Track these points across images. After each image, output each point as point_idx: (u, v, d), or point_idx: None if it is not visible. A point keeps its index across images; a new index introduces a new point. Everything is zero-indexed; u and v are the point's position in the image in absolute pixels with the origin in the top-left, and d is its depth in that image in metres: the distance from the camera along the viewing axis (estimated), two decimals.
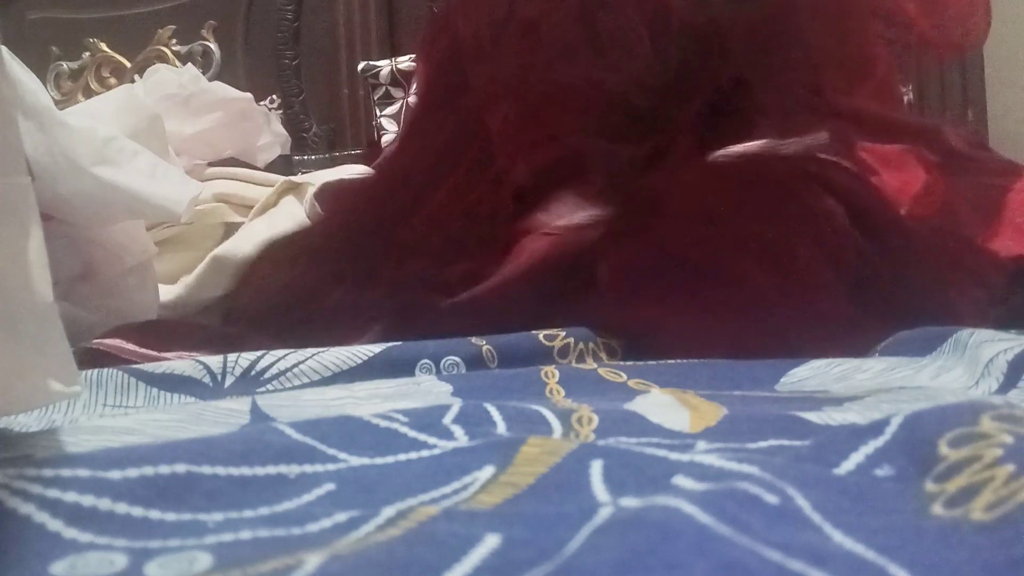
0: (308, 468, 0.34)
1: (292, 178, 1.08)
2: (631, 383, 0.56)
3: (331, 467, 0.34)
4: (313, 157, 1.54)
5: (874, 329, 0.64)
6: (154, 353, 0.69)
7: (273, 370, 0.59)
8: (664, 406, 0.47)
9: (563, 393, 0.54)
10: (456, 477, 0.33)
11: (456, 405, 0.42)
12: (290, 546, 0.26)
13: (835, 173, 0.76)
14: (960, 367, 0.54)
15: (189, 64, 1.49)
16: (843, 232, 0.70)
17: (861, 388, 0.50)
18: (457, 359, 0.64)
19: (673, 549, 0.22)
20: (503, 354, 0.64)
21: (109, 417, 0.50)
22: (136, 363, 0.62)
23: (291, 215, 1.03)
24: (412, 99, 0.93)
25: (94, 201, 0.85)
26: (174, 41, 1.63)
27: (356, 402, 0.51)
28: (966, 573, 0.23)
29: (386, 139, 1.47)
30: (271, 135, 1.38)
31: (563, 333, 0.67)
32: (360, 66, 1.54)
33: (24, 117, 0.78)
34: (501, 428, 0.41)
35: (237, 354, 0.60)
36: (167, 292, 1.03)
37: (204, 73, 1.45)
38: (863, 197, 0.74)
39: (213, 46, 1.61)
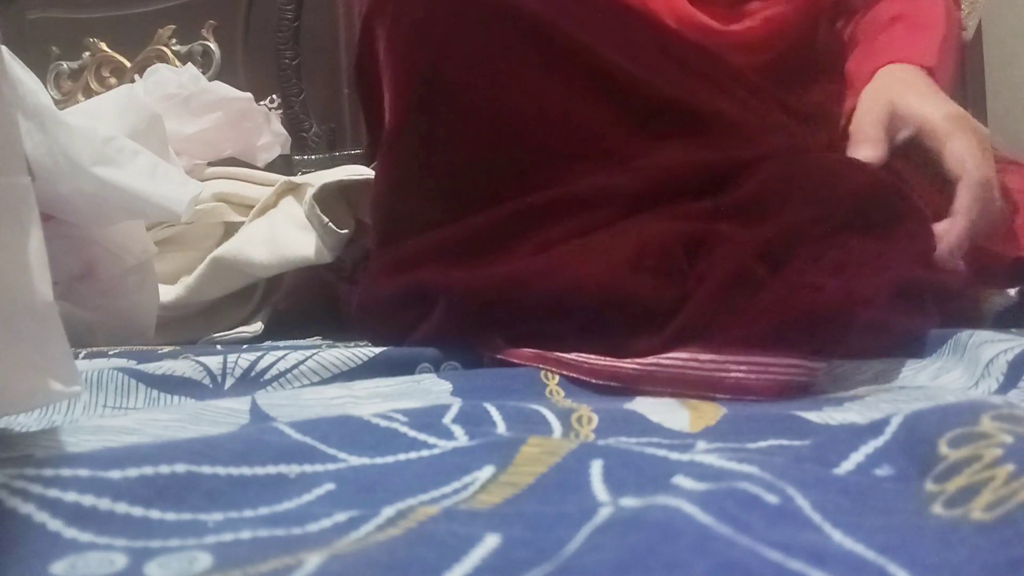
0: (308, 468, 0.34)
1: (292, 179, 1.08)
2: None
3: (331, 467, 0.34)
4: (313, 157, 1.54)
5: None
6: None
7: (273, 371, 0.59)
8: (664, 406, 0.47)
9: (563, 394, 0.54)
10: (456, 477, 0.33)
11: (456, 405, 0.42)
12: (290, 546, 0.26)
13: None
14: (960, 368, 0.54)
15: (189, 64, 1.48)
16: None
17: (861, 388, 0.50)
18: (456, 364, 0.64)
19: (673, 549, 0.22)
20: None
21: (109, 417, 0.50)
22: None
23: (291, 216, 1.03)
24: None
25: (94, 201, 0.85)
26: (174, 41, 1.63)
27: (356, 401, 0.51)
28: (966, 573, 0.23)
29: None
30: (271, 135, 1.38)
31: None
32: None
33: (24, 117, 0.78)
34: (501, 428, 0.41)
35: (237, 355, 0.60)
36: (167, 292, 1.03)
37: (204, 73, 1.45)
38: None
39: (213, 46, 1.61)
